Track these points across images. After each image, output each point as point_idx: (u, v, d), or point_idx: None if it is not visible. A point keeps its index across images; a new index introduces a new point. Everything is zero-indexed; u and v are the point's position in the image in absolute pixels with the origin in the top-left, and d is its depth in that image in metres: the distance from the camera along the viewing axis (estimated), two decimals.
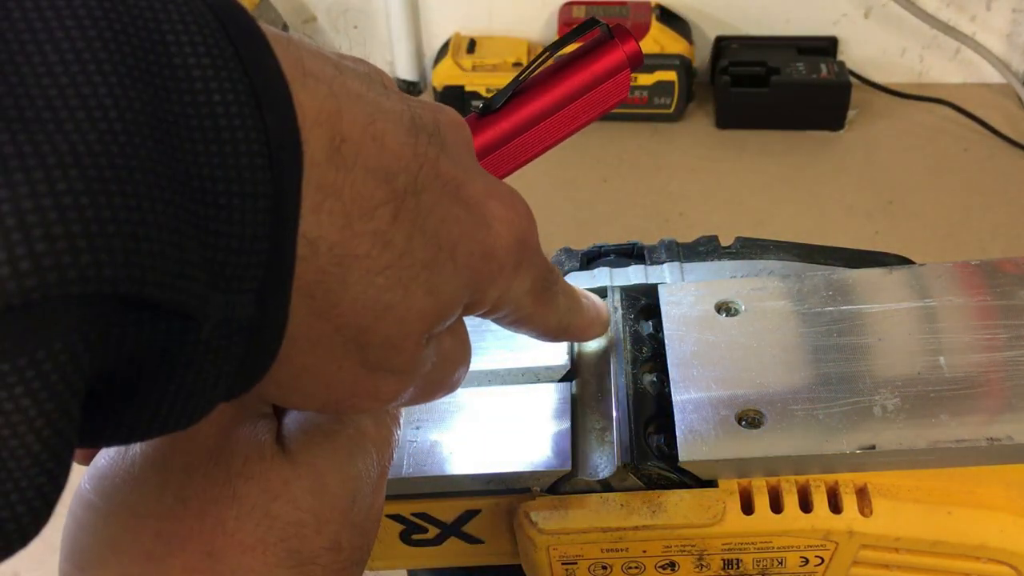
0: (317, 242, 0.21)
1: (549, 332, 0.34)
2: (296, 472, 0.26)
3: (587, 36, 0.37)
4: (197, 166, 0.18)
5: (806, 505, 0.36)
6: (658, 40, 1.39)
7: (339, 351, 0.23)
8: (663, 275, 0.44)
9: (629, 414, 0.38)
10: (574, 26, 0.37)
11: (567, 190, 1.32)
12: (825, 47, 1.45)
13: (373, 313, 0.23)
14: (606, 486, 0.37)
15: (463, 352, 0.28)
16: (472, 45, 1.47)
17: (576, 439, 0.38)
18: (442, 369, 0.27)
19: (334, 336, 0.22)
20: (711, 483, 0.37)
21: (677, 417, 0.36)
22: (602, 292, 0.44)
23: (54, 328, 0.16)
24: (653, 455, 0.37)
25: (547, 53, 0.36)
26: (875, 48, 1.47)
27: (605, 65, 0.36)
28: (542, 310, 0.31)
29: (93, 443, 0.20)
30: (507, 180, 0.37)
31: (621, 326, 0.42)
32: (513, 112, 0.36)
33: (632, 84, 1.39)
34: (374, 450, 0.29)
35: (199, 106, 0.19)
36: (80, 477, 0.26)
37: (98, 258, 0.16)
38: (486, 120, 0.35)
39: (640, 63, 0.37)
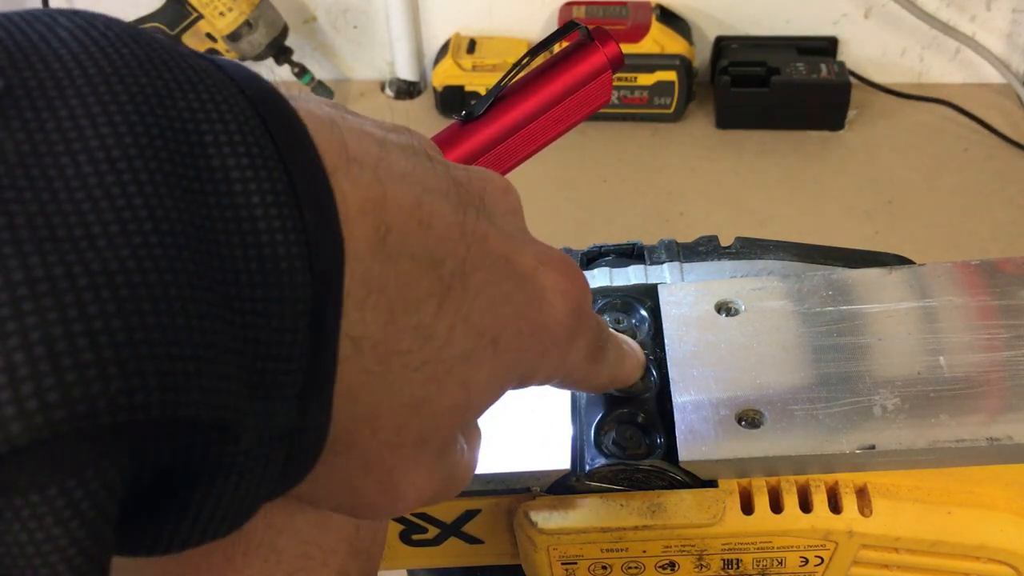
0: (361, 341, 0.20)
1: (598, 388, 0.32)
2: (300, 505, 0.26)
3: (568, 39, 0.37)
4: (235, 272, 0.18)
5: (806, 505, 0.36)
6: (658, 40, 1.39)
7: (373, 454, 0.22)
8: (663, 275, 0.44)
9: (580, 419, 0.38)
10: None
11: (567, 190, 1.32)
12: (825, 47, 1.45)
13: (408, 411, 0.22)
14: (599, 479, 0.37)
15: (477, 440, 0.27)
16: (472, 45, 1.47)
17: (576, 439, 0.38)
18: (461, 463, 0.26)
19: (370, 439, 0.21)
20: (711, 483, 0.37)
21: (677, 417, 0.36)
22: (602, 292, 0.44)
23: (83, 456, 0.16)
24: (604, 455, 0.37)
25: (527, 58, 0.36)
26: (875, 48, 1.47)
27: (586, 68, 0.36)
28: (595, 369, 0.30)
29: (136, 553, 0.20)
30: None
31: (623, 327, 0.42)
32: (496, 118, 0.35)
33: (632, 84, 1.39)
34: None
35: (237, 209, 0.18)
36: None
37: (130, 384, 0.16)
38: (469, 127, 0.35)
39: (621, 64, 0.37)
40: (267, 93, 0.19)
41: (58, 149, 0.16)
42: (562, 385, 0.30)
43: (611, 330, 0.32)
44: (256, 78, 0.20)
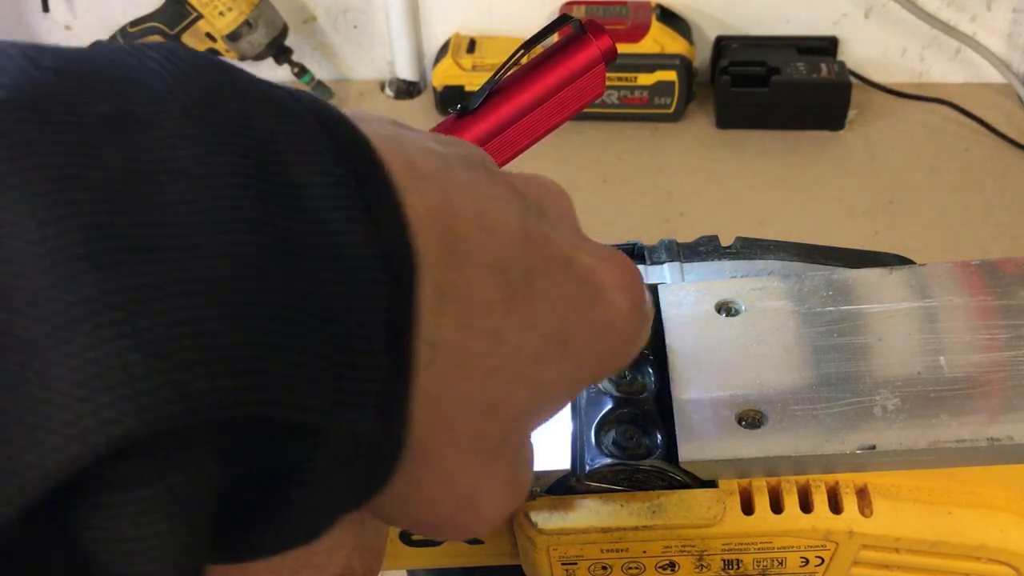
0: (438, 346, 0.21)
1: None
2: None
3: (561, 33, 0.37)
4: (319, 284, 0.19)
5: (806, 505, 0.36)
6: (658, 40, 1.39)
7: (452, 464, 0.22)
8: (663, 275, 0.44)
9: (580, 419, 0.38)
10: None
11: (567, 190, 1.32)
12: (825, 47, 1.45)
13: (484, 415, 0.22)
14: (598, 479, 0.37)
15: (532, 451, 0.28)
16: (472, 45, 1.47)
17: (576, 439, 0.38)
18: (528, 473, 0.26)
19: (449, 447, 0.22)
20: (711, 483, 0.37)
21: (677, 417, 0.36)
22: None
23: (190, 453, 0.17)
24: (604, 455, 0.37)
25: (521, 51, 0.36)
26: (875, 48, 1.47)
27: (580, 61, 0.36)
28: (644, 342, 0.30)
29: (224, 559, 0.20)
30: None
31: None
32: (491, 112, 0.36)
33: (632, 84, 1.39)
34: None
35: (320, 224, 0.19)
36: None
37: (234, 383, 0.17)
38: (464, 121, 0.36)
39: (614, 58, 0.37)
40: (338, 119, 0.21)
41: (158, 168, 0.17)
42: None
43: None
44: (326, 106, 0.21)
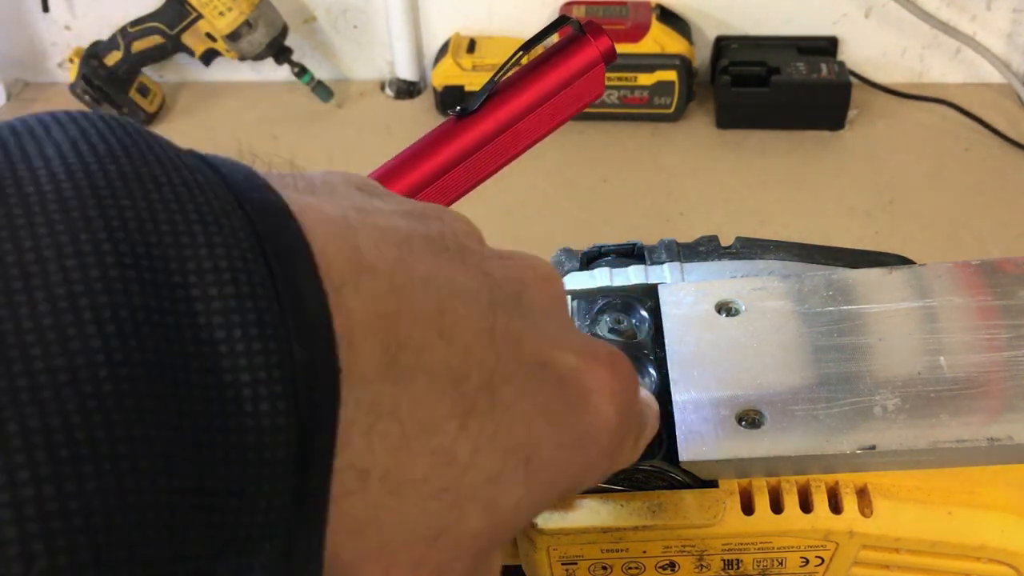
0: (368, 472, 0.18)
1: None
2: None
3: (561, 34, 0.37)
4: (203, 428, 0.16)
5: (806, 505, 0.36)
6: (658, 40, 1.39)
7: None
8: (663, 275, 0.44)
9: None
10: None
11: (567, 190, 1.32)
12: (825, 47, 1.45)
13: (424, 543, 0.20)
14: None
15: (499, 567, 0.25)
16: (472, 45, 1.47)
17: None
18: None
19: (381, 574, 0.20)
20: (711, 483, 0.37)
21: (677, 417, 0.36)
22: (602, 292, 0.44)
23: None
24: None
25: (520, 52, 0.36)
26: (875, 48, 1.47)
27: (579, 62, 0.36)
28: (634, 453, 0.27)
29: None
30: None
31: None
32: (490, 113, 0.36)
33: (632, 84, 1.39)
34: None
35: (215, 346, 0.16)
36: None
37: (55, 563, 0.14)
38: (464, 122, 0.36)
39: (613, 58, 0.37)
40: (268, 206, 0.18)
41: (15, 286, 0.15)
42: None
43: (642, 397, 0.29)
44: (260, 188, 0.18)
